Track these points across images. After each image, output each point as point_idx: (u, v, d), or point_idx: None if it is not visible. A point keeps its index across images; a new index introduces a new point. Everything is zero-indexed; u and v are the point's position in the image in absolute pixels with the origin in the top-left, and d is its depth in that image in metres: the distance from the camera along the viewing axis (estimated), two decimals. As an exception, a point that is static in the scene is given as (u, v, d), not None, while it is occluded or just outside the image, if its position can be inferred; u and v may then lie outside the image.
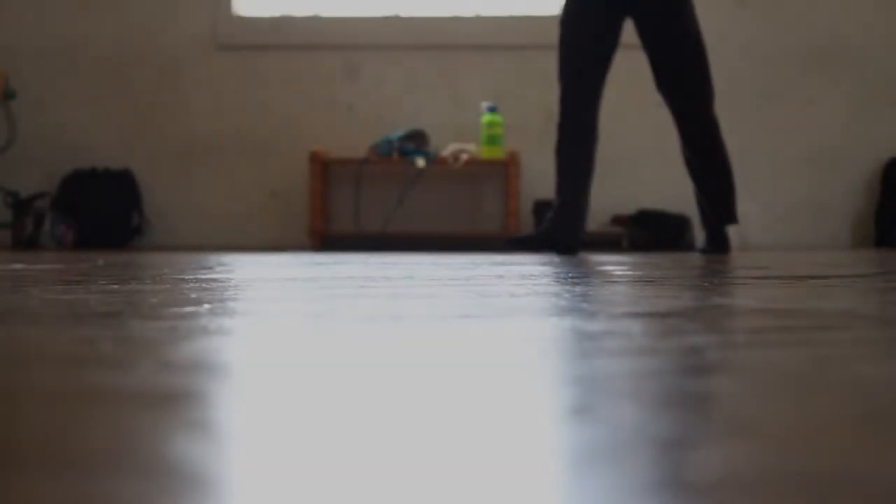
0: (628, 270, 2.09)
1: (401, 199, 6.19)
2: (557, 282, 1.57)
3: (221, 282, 1.57)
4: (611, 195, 6.29)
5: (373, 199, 6.31)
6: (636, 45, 6.28)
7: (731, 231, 5.82)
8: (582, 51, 4.10)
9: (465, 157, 5.78)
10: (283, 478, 0.32)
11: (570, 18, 4.09)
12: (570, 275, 1.85)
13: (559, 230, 3.97)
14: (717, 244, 4.21)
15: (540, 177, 6.35)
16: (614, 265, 2.49)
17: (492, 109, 5.73)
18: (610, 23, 4.08)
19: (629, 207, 6.27)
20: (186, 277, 1.72)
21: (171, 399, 0.47)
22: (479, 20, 6.21)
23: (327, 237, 6.33)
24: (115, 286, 1.44)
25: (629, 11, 4.09)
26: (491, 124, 5.81)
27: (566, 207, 4.01)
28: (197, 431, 0.39)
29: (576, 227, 4.00)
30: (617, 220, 6.00)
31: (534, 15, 5.95)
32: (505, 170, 6.10)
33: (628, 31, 6.34)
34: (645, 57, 6.36)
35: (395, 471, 0.33)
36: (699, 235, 6.22)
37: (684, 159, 4.23)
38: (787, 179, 6.31)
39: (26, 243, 5.97)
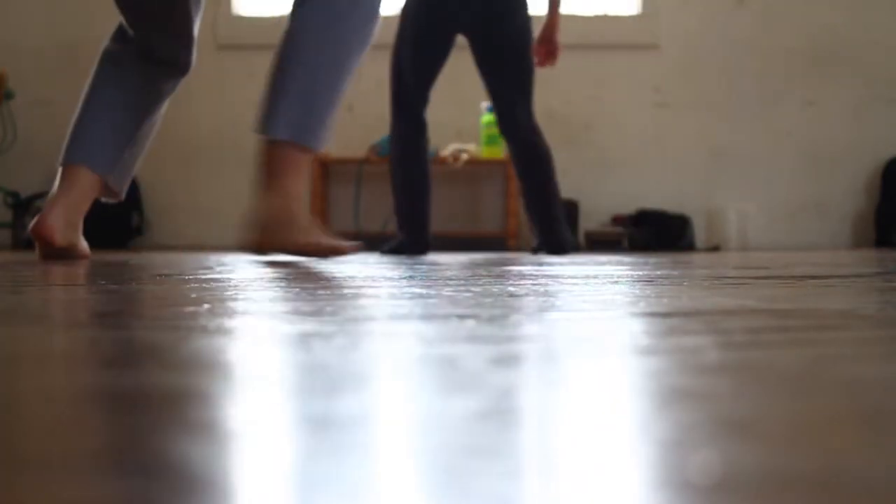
0: (628, 270, 2.09)
1: (401, 199, 6.17)
2: (557, 282, 1.57)
3: (221, 282, 1.57)
4: (611, 195, 6.29)
5: (373, 199, 6.31)
6: (635, 45, 6.28)
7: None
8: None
9: (465, 157, 5.78)
10: (284, 478, 0.32)
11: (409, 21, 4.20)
12: (570, 275, 1.85)
13: (413, 239, 4.15)
14: (552, 246, 4.13)
15: (540, 177, 6.34)
16: (614, 265, 2.49)
17: (492, 109, 5.73)
18: (442, 36, 4.18)
19: (629, 207, 6.26)
20: (186, 277, 1.72)
21: (171, 399, 0.47)
22: (479, 20, 6.20)
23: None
24: (115, 286, 1.44)
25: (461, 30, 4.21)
26: (491, 124, 5.81)
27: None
28: (197, 431, 0.39)
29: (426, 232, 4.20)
30: (617, 220, 6.00)
31: (534, 15, 5.95)
32: (505, 170, 6.10)
33: (634, 33, 6.34)
34: (644, 58, 6.36)
35: (396, 471, 0.33)
36: (699, 235, 6.22)
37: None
38: (787, 179, 6.30)
39: (26, 243, 5.96)
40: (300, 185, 2.74)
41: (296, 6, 2.87)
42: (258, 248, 2.75)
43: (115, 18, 6.38)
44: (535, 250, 4.15)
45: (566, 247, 4.05)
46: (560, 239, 4.05)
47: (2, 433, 0.39)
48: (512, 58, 4.07)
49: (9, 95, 5.97)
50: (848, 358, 0.62)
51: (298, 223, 2.70)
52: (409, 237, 4.05)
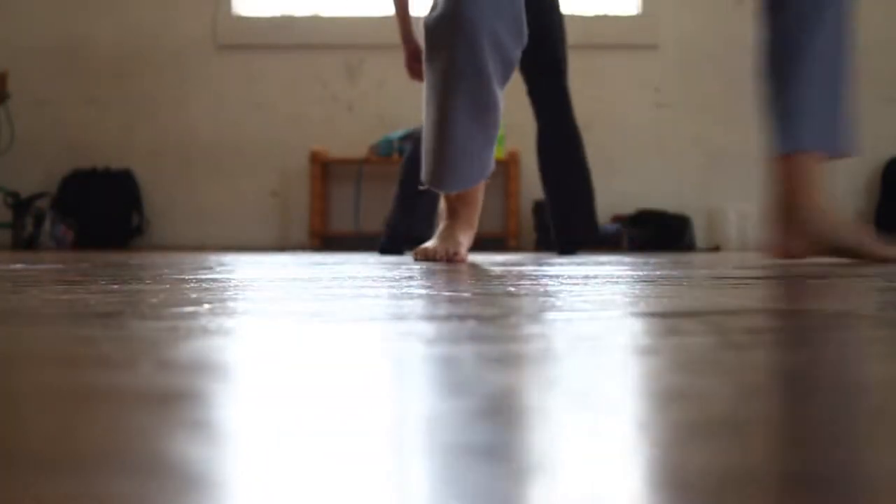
0: (628, 270, 2.09)
1: (401, 199, 6.17)
2: (557, 281, 1.57)
3: (221, 282, 1.57)
4: (611, 195, 6.29)
5: (373, 199, 6.31)
6: (634, 45, 6.28)
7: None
8: None
9: (465, 157, 5.77)
10: (283, 478, 0.32)
11: None
12: (570, 275, 1.85)
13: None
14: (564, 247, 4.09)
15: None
16: (614, 265, 2.49)
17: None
18: None
19: (629, 207, 6.26)
20: (186, 277, 1.72)
21: (171, 399, 0.47)
22: (479, 20, 6.19)
23: (327, 237, 6.32)
24: (115, 286, 1.44)
25: None
26: (491, 124, 5.80)
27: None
28: (197, 431, 0.39)
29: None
30: (617, 219, 6.00)
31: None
32: (505, 170, 6.10)
33: (634, 33, 6.34)
34: (643, 58, 6.35)
35: (395, 472, 0.33)
36: (699, 235, 6.21)
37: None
38: (787, 179, 6.29)
39: (26, 243, 5.97)
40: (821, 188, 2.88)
41: (769, 17, 2.79)
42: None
43: (114, 18, 6.37)
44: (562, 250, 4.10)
45: (583, 241, 4.04)
46: (579, 235, 4.03)
47: (1, 433, 0.39)
48: (550, 74, 4.03)
49: (7, 95, 5.97)
50: (848, 358, 0.62)
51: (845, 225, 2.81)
52: (405, 237, 4.08)
